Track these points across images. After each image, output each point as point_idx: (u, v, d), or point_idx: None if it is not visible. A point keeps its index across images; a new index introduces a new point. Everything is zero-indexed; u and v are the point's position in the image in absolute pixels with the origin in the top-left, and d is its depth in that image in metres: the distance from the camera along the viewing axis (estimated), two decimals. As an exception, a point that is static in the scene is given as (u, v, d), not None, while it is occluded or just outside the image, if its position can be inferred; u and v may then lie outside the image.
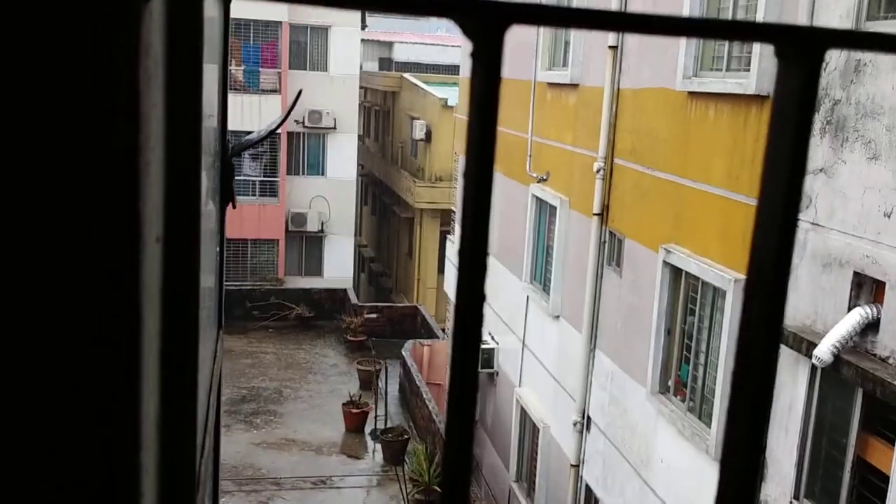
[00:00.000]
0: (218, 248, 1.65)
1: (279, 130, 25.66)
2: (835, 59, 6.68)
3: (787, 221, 0.59)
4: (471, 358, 0.54)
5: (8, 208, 0.49)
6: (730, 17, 8.29)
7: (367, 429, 17.93)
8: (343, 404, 18.18)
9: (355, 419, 17.87)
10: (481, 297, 0.53)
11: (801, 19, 6.98)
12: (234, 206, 1.79)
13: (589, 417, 11.24)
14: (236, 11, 26.37)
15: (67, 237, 0.50)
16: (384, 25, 44.41)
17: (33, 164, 0.49)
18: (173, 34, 0.64)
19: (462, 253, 0.51)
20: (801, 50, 0.56)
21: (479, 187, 0.55)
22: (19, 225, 0.49)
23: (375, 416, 17.84)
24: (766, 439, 7.32)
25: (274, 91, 26.03)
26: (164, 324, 0.69)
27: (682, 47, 8.83)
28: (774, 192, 0.57)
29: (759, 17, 7.52)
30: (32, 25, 0.47)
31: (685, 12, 8.74)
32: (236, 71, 25.67)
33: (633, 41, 10.25)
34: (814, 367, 6.65)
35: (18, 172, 0.49)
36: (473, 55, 0.53)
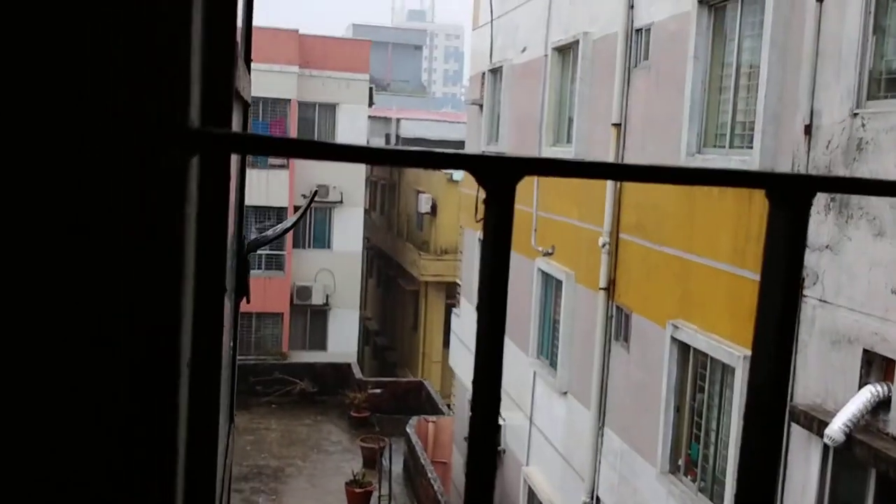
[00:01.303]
0: (232, 343, 1.69)
1: (286, 204, 25.93)
2: (836, 136, 6.79)
3: (782, 357, 0.62)
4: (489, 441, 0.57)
5: (59, 339, 0.52)
6: (731, 97, 8.45)
7: (372, 508, 17.60)
8: (346, 483, 17.87)
9: (358, 499, 17.53)
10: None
11: (803, 99, 7.12)
12: (248, 301, 1.83)
13: (598, 498, 11.04)
14: (246, 89, 26.87)
15: (114, 368, 0.53)
16: (391, 102, 45.24)
17: (87, 302, 0.53)
18: (206, 179, 0.69)
19: (475, 396, 0.54)
20: (790, 194, 0.61)
21: (494, 321, 0.59)
22: (73, 357, 0.52)
23: (379, 496, 17.51)
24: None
25: (282, 167, 26.39)
26: (188, 449, 0.72)
27: (686, 124, 8.98)
28: (767, 333, 0.61)
29: (761, 97, 7.68)
30: (97, 182, 0.51)
31: (686, 93, 8.92)
32: (245, 147, 26.08)
33: (636, 119, 10.43)
34: (826, 447, 6.57)
35: (74, 304, 0.52)
36: (487, 202, 0.57)
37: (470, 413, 0.58)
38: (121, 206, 0.49)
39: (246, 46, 1.57)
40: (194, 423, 0.77)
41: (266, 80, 25.69)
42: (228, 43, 0.78)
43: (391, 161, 0.55)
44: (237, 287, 1.70)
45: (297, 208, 27.01)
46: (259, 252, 26.79)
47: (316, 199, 27.04)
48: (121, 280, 0.49)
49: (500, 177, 0.54)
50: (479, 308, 0.59)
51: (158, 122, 0.47)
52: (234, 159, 1.55)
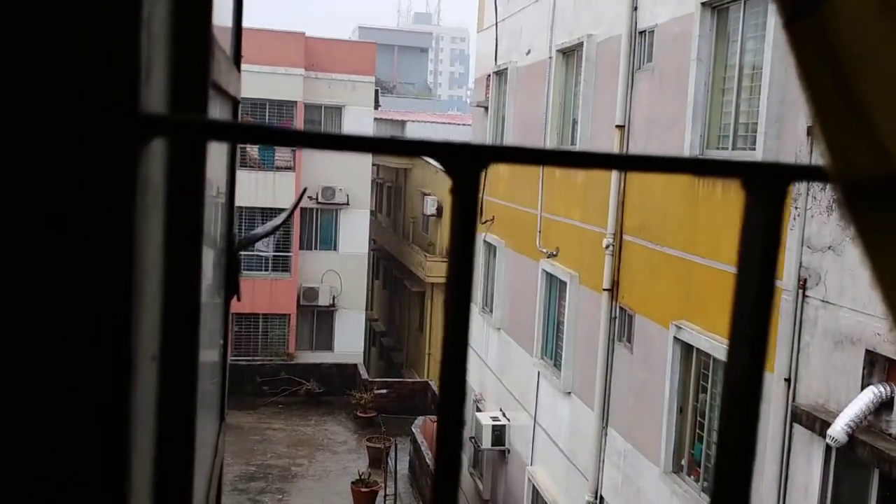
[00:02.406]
0: (222, 341, 1.68)
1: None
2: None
3: (757, 350, 0.60)
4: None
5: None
6: (734, 99, 8.43)
7: (377, 508, 17.61)
8: (352, 483, 17.89)
9: (364, 499, 17.55)
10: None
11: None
12: (238, 300, 1.82)
13: (602, 497, 11.02)
14: (252, 91, 26.90)
15: (58, 364, 0.52)
16: (397, 105, 45.28)
17: (22, 300, 0.51)
18: (176, 170, 0.68)
19: (442, 388, 0.53)
20: (766, 184, 0.59)
21: (460, 313, 0.58)
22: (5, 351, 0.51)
23: (385, 496, 17.53)
24: None
25: (288, 168, 26.42)
26: (159, 438, 0.71)
27: (689, 125, 8.97)
28: (743, 325, 0.59)
29: (764, 98, 7.65)
30: (30, 169, 0.50)
31: (689, 95, 8.90)
32: (251, 149, 26.11)
33: (639, 120, 10.42)
34: (828, 448, 6.54)
35: (9, 301, 0.51)
36: (453, 191, 0.56)
37: (437, 409, 0.57)
38: (56, 194, 0.48)
39: (235, 45, 1.56)
40: (167, 419, 0.76)
41: (272, 82, 25.73)
42: (202, 35, 0.78)
43: (353, 147, 0.54)
44: (227, 285, 1.69)
45: (304, 210, 27.05)
46: (266, 254, 26.82)
47: (323, 200, 27.06)
48: (59, 272, 0.48)
49: (465, 164, 0.53)
50: (446, 299, 0.58)
51: (101, 106, 0.46)
52: (222, 154, 1.54)
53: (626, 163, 0.58)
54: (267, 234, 2.44)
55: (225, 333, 1.69)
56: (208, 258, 1.37)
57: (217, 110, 1.22)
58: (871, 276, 0.57)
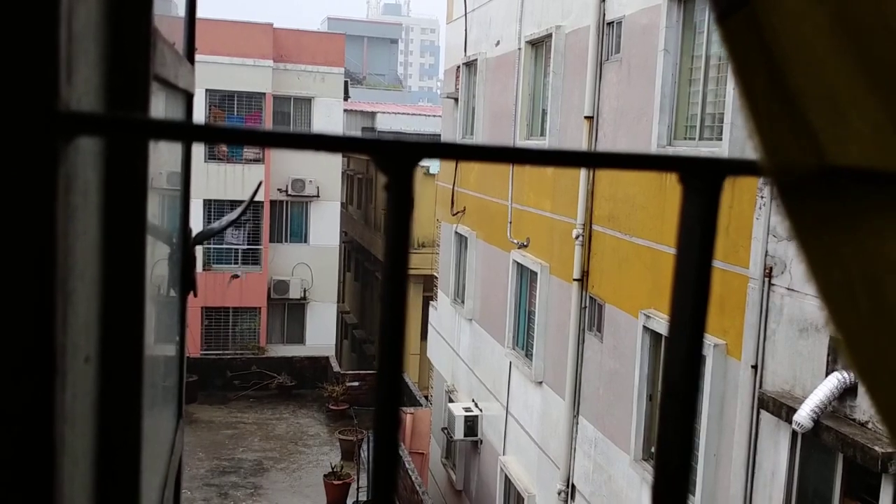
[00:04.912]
0: (178, 338, 1.66)
1: (261, 198, 25.77)
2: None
3: (695, 340, 0.61)
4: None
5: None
6: (701, 89, 8.49)
7: (350, 501, 17.60)
8: (324, 476, 17.86)
9: (337, 491, 17.54)
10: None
11: (769, 90, 7.16)
12: (195, 295, 1.81)
13: (573, 486, 11.10)
14: (220, 83, 26.46)
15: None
16: (367, 96, 45.09)
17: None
18: (111, 168, 0.67)
19: (380, 377, 0.53)
20: (702, 178, 0.60)
21: (394, 309, 0.57)
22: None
23: (358, 488, 17.53)
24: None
25: (257, 160, 26.23)
26: (100, 440, 0.70)
27: (657, 116, 9.02)
28: (682, 309, 0.60)
29: (730, 89, 7.72)
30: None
31: (657, 86, 8.95)
32: (219, 140, 25.88)
33: (608, 111, 10.46)
34: (794, 433, 6.64)
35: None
36: (386, 188, 0.56)
37: (375, 406, 0.56)
38: None
39: (188, 36, 1.54)
40: (109, 421, 0.75)
41: (241, 73, 25.51)
42: (141, 28, 0.76)
43: (283, 144, 0.53)
44: (183, 280, 1.67)
45: (273, 203, 26.88)
46: (235, 247, 26.63)
47: (293, 193, 26.90)
48: None
49: (397, 161, 0.53)
50: (381, 297, 0.58)
51: (15, 105, 0.45)
52: (175, 147, 1.52)
53: (566, 159, 0.58)
54: (223, 229, 2.41)
55: (182, 329, 1.67)
56: (160, 253, 1.35)
57: (164, 105, 1.20)
58: (806, 269, 0.58)
